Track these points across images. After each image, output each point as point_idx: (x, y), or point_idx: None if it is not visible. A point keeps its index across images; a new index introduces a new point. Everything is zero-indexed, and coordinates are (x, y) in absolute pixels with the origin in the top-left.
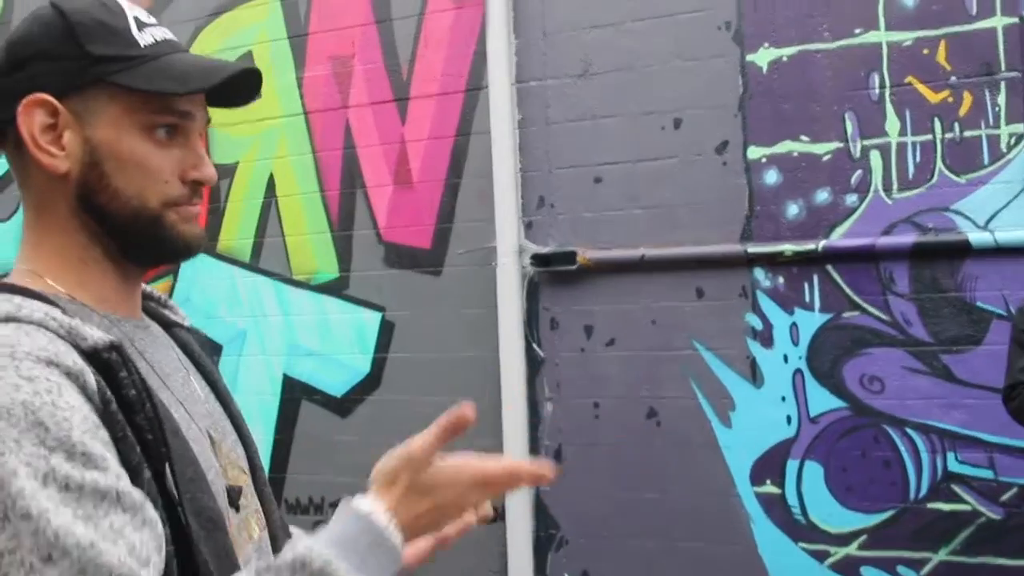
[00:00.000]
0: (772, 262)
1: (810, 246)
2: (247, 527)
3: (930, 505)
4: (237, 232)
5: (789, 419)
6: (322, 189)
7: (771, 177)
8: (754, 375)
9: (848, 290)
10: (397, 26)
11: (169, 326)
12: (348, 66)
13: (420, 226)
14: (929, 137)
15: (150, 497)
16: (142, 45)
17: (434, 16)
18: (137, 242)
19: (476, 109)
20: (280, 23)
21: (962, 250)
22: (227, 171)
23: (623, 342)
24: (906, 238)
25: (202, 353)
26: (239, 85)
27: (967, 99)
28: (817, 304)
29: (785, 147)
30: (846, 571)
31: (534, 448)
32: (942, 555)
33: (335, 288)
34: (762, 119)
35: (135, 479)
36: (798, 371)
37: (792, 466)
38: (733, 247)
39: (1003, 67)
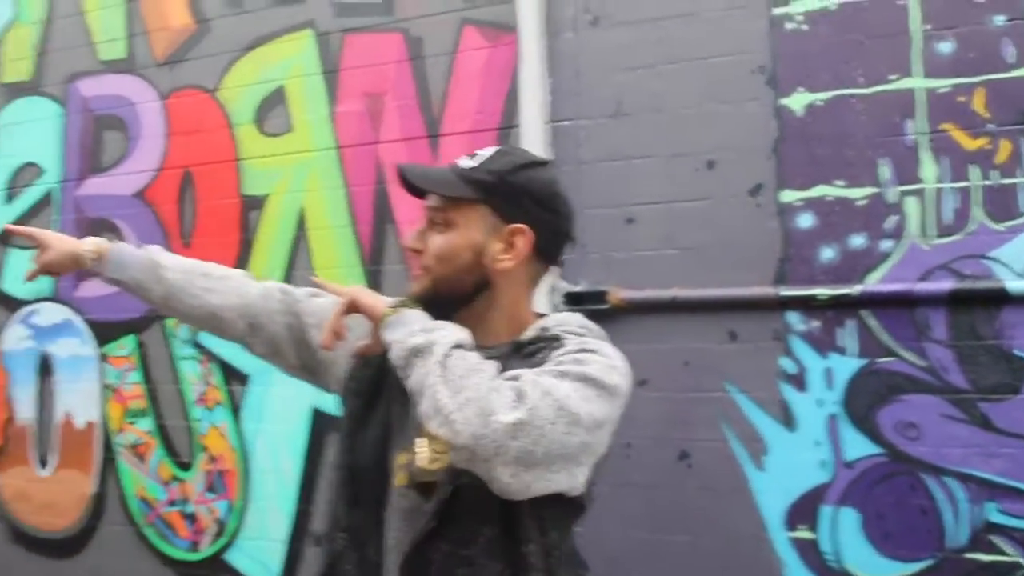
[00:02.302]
0: (806, 306)
1: (845, 290)
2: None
3: (969, 555)
4: (267, 264)
5: (823, 464)
6: (353, 223)
7: (805, 220)
8: (787, 419)
9: (884, 335)
10: (430, 63)
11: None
12: (380, 102)
13: None
14: (966, 184)
15: None
16: None
17: (467, 54)
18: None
19: None
20: (314, 58)
21: (999, 298)
22: (256, 203)
23: (655, 383)
24: (943, 284)
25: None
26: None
27: (1004, 146)
28: (852, 349)
29: (819, 191)
30: None
31: None
32: None
33: None
34: (796, 162)
35: (360, 371)
36: (833, 415)
37: (826, 512)
38: (766, 290)
39: None
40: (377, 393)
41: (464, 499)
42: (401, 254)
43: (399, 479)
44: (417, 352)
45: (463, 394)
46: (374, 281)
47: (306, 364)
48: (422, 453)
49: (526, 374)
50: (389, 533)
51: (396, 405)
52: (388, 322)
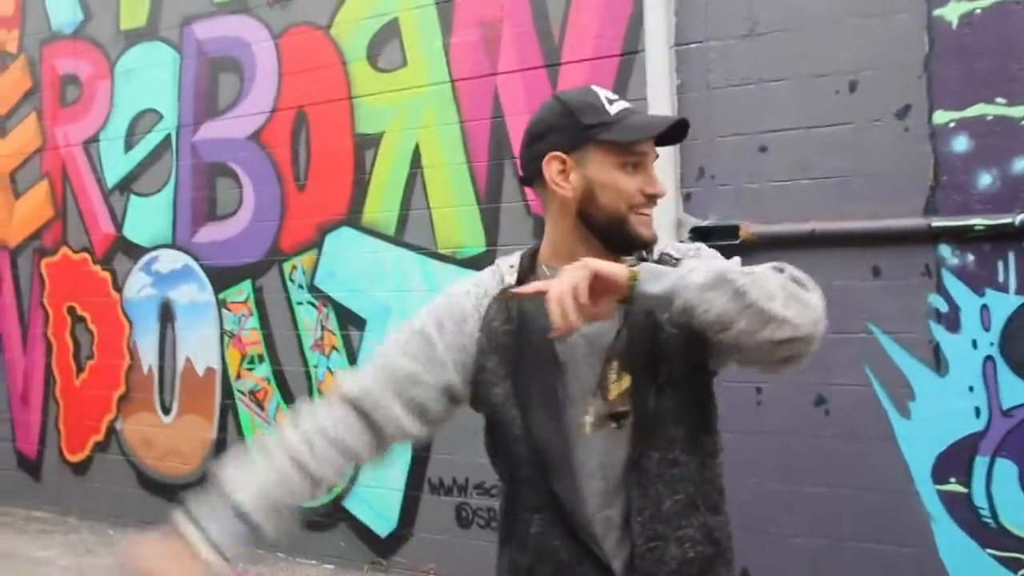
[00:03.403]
0: (960, 238)
1: (1006, 219)
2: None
3: None
4: (381, 205)
5: (978, 411)
6: (469, 160)
7: (960, 144)
8: (938, 362)
9: None
10: None
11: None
12: (496, 31)
13: None
14: None
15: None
16: (612, 114)
17: None
18: (612, 236)
19: (632, 74)
20: None
21: None
22: (372, 142)
23: None
24: None
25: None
26: (675, 129)
27: None
28: (1012, 285)
29: (977, 110)
30: None
31: None
32: None
33: (482, 262)
34: (950, 80)
35: (485, 355)
36: (989, 358)
37: (981, 463)
38: (915, 221)
39: None
40: (514, 373)
41: (655, 411)
42: (518, 191)
43: (590, 429)
44: (711, 286)
45: (778, 298)
46: (490, 219)
47: (444, 406)
48: (613, 388)
49: (777, 265)
50: (588, 484)
51: (545, 375)
52: (643, 278)
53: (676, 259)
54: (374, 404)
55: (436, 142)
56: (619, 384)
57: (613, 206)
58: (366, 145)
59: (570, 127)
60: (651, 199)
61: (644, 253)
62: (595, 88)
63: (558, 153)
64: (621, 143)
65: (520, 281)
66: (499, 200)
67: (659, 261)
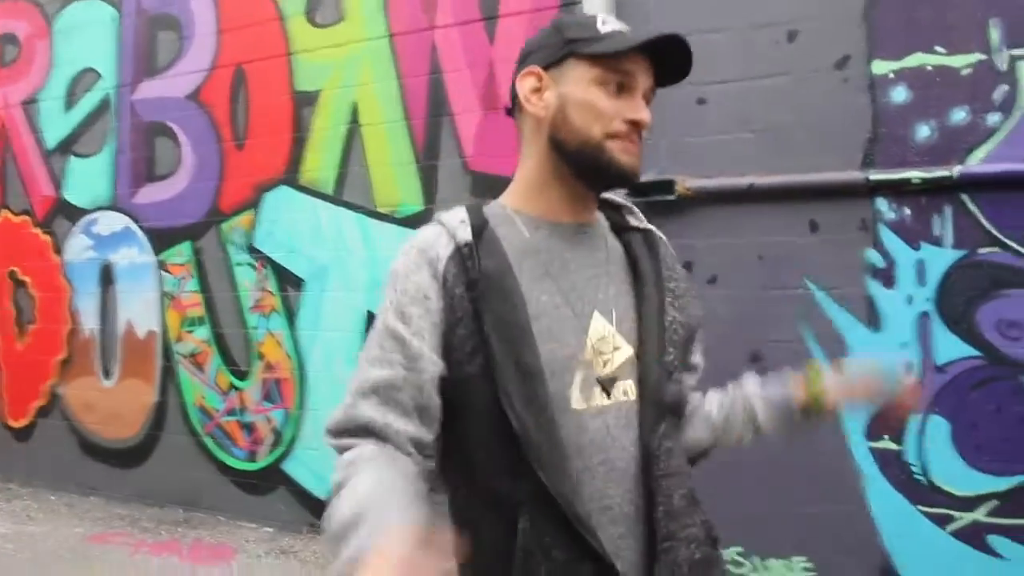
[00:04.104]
0: (898, 191)
1: (943, 173)
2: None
3: None
4: (319, 163)
5: (911, 367)
6: (407, 117)
7: (899, 95)
8: (872, 318)
9: (986, 223)
10: None
11: (624, 230)
12: None
13: (510, 154)
14: None
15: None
16: (601, 31)
17: None
18: (586, 166)
19: None
20: None
21: None
22: (310, 99)
23: (727, 279)
24: None
25: (641, 252)
26: (674, 60)
27: None
28: (949, 239)
29: (916, 60)
30: (971, 539)
31: None
32: None
33: (420, 221)
34: (889, 29)
35: (455, 325)
36: (924, 314)
37: (913, 420)
38: (853, 174)
39: None
40: (483, 345)
41: (664, 393)
42: (456, 149)
43: (577, 403)
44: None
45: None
46: (429, 177)
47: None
48: (606, 355)
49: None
50: (582, 471)
51: (519, 343)
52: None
53: (641, 229)
54: (382, 430)
55: (374, 99)
56: (612, 353)
57: (586, 129)
58: (304, 103)
59: (553, 44)
60: (634, 127)
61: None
62: (599, 13)
63: (534, 68)
64: (601, 56)
65: (476, 235)
66: (437, 158)
67: (623, 223)
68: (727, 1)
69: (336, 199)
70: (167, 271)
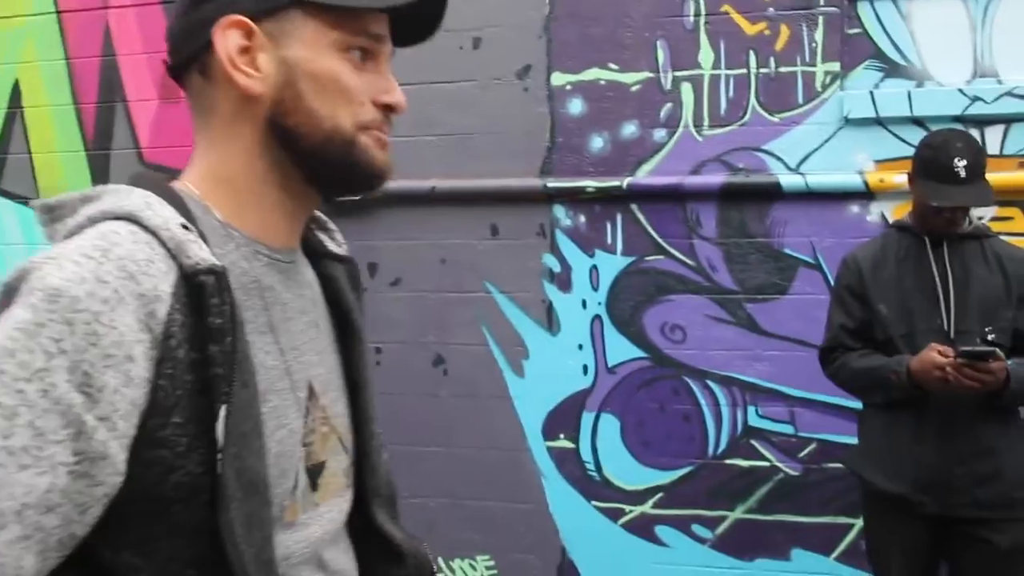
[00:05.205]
0: (573, 199)
1: (614, 183)
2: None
3: (728, 461)
4: None
5: (586, 369)
6: (76, 101)
7: (575, 107)
8: (550, 321)
9: (653, 232)
10: None
11: (321, 256)
12: None
13: (189, 147)
14: (743, 71)
15: (189, 436)
16: None
17: None
18: (328, 167)
19: None
20: None
21: (772, 193)
22: None
23: (409, 282)
24: (715, 178)
25: (345, 288)
26: (421, 18)
27: (784, 33)
28: (620, 246)
29: (592, 75)
30: (640, 531)
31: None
32: (738, 513)
33: None
34: (568, 43)
35: (166, 413)
36: (597, 317)
37: (587, 419)
38: (532, 181)
39: (822, 1)
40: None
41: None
42: (130, 137)
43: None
44: None
45: None
46: (99, 166)
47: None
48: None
49: None
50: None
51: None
52: None
53: (343, 257)
54: None
55: (38, 80)
56: (322, 437)
57: (331, 117)
58: None
59: None
60: (387, 112)
61: None
62: None
63: (240, 17)
64: (352, 9)
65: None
66: (109, 146)
67: (319, 247)
68: None
69: None
70: None
